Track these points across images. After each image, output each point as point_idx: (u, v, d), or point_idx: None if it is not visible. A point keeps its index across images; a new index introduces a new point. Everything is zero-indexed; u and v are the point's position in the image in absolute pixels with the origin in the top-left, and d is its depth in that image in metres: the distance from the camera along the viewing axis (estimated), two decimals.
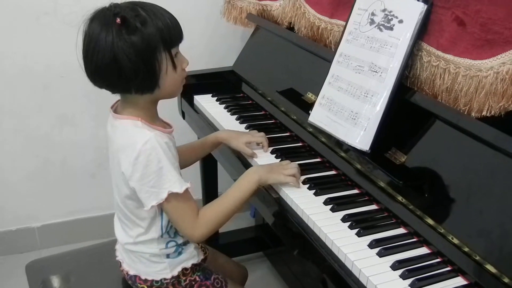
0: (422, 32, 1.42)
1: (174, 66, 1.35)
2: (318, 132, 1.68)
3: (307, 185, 1.53)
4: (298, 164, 1.57)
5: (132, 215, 1.45)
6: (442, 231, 1.24)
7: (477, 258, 1.15)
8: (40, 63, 2.48)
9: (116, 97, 1.43)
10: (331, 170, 1.64)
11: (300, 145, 1.81)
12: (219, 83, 2.31)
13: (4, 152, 2.58)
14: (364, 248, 1.28)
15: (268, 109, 2.04)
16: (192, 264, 1.54)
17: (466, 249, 1.18)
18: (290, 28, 2.12)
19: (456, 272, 1.21)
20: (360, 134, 1.48)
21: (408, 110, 1.44)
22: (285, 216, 1.46)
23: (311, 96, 1.80)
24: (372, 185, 1.46)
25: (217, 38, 2.75)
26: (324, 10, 1.88)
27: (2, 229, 2.73)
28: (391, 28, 1.45)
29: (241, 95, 2.26)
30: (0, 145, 2.56)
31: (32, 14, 2.39)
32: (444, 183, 1.30)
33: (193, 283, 1.55)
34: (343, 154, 1.57)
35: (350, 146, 1.50)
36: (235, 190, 1.48)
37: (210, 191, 2.50)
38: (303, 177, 1.56)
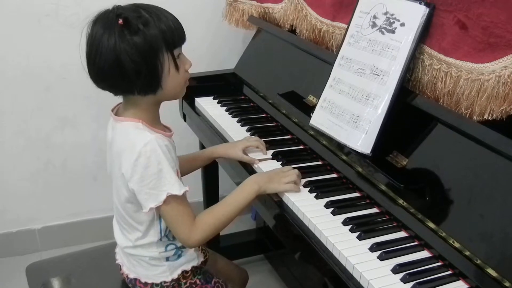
0: (424, 35, 1.42)
1: (177, 67, 1.35)
2: (319, 135, 1.68)
3: (308, 188, 1.52)
4: (299, 167, 1.58)
5: (131, 218, 1.45)
6: (443, 234, 1.24)
7: (478, 262, 1.15)
8: (42, 65, 2.49)
9: (117, 99, 1.43)
10: (332, 173, 1.63)
11: (301, 148, 1.81)
12: (221, 85, 2.31)
13: (5, 153, 2.59)
14: (365, 252, 1.27)
15: (270, 112, 2.04)
16: (192, 267, 1.54)
17: (467, 253, 1.18)
18: (292, 30, 2.12)
19: (457, 276, 1.21)
20: (361, 137, 1.47)
21: (410, 114, 1.44)
22: (286, 219, 1.46)
23: (313, 99, 1.80)
24: (373, 188, 1.45)
25: (218, 41, 2.75)
26: (326, 13, 1.88)
27: (3, 231, 2.73)
28: (393, 31, 1.45)
29: (243, 97, 2.26)
30: (1, 147, 2.57)
31: (33, 16, 2.40)
32: (445, 187, 1.30)
33: (194, 286, 1.55)
34: (344, 157, 1.57)
35: (351, 149, 1.50)
36: (233, 198, 1.48)
37: (211, 194, 2.50)
38: (304, 180, 1.55)
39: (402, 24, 1.43)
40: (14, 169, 2.64)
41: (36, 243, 2.79)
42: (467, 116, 1.32)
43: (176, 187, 1.34)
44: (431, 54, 1.41)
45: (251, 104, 2.19)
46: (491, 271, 1.12)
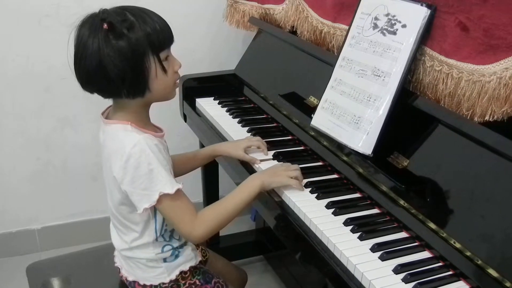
0: (425, 37, 1.42)
1: (164, 70, 1.35)
2: (320, 135, 1.68)
3: (309, 189, 1.52)
4: (300, 167, 1.57)
5: (126, 220, 1.45)
6: (444, 235, 1.24)
7: (479, 262, 1.15)
8: (42, 65, 2.49)
9: (110, 101, 1.43)
10: (333, 174, 1.64)
11: (302, 149, 1.81)
12: (221, 86, 2.32)
13: (5, 154, 2.58)
14: (366, 252, 1.28)
15: (270, 113, 2.05)
16: (191, 267, 1.54)
17: (468, 254, 1.18)
18: (293, 32, 2.13)
19: (458, 276, 1.21)
20: (362, 138, 1.48)
21: (411, 115, 1.44)
22: (287, 219, 1.46)
23: (313, 100, 1.80)
24: (374, 189, 1.46)
25: (219, 41, 2.75)
26: (327, 14, 1.88)
27: (2, 231, 2.72)
28: (394, 33, 1.46)
29: (243, 98, 2.26)
30: (1, 147, 2.56)
31: (34, 17, 2.40)
32: (446, 188, 1.31)
33: (193, 286, 1.55)
34: (345, 158, 1.58)
35: (353, 150, 1.51)
36: (236, 194, 1.48)
37: (211, 194, 2.50)
38: (305, 181, 1.55)
39: (404, 26, 1.44)
40: (14, 169, 2.63)
41: (35, 244, 2.79)
42: (468, 118, 1.32)
43: (168, 185, 1.33)
44: (432, 56, 1.42)
45: (252, 105, 2.19)
46: (492, 272, 1.13)
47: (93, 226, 2.75)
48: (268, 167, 1.63)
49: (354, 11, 1.61)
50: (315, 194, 1.50)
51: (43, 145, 2.63)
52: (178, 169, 1.61)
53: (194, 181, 2.41)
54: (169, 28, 1.35)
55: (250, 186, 1.48)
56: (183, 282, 1.53)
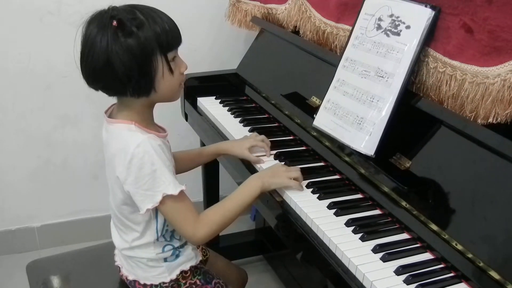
0: (429, 38, 1.42)
1: (171, 70, 1.35)
2: (322, 136, 1.68)
3: (311, 189, 1.52)
4: (302, 168, 1.57)
5: (127, 220, 1.45)
6: (446, 237, 1.24)
7: (481, 264, 1.15)
8: (43, 63, 2.49)
9: (115, 99, 1.43)
10: (335, 175, 1.64)
11: (304, 149, 1.81)
12: (223, 85, 2.32)
13: (5, 151, 2.58)
14: (368, 253, 1.27)
15: (272, 113, 2.04)
16: (191, 267, 1.54)
17: (470, 255, 1.18)
18: (295, 31, 2.13)
19: (459, 278, 1.21)
20: (365, 139, 1.48)
21: (414, 116, 1.44)
22: (289, 219, 1.46)
23: (316, 100, 1.80)
24: (376, 190, 1.45)
25: (221, 41, 2.75)
26: (330, 14, 1.88)
27: (2, 229, 2.73)
28: (398, 34, 1.45)
29: (245, 98, 2.26)
30: (2, 145, 2.56)
31: (36, 14, 2.40)
32: (448, 189, 1.30)
33: (193, 286, 1.55)
34: (347, 158, 1.57)
35: (355, 150, 1.50)
36: (237, 195, 1.47)
37: (212, 194, 2.50)
38: (306, 181, 1.55)
39: (408, 27, 1.44)
40: (14, 167, 2.63)
41: (35, 241, 2.79)
42: (471, 120, 1.32)
43: (171, 186, 1.33)
44: (436, 57, 1.41)
45: (254, 105, 2.19)
46: (493, 274, 1.12)
47: (93, 225, 2.76)
48: (269, 166, 1.63)
49: (358, 11, 1.61)
50: (317, 195, 1.50)
51: (44, 143, 2.63)
52: (181, 167, 1.61)
53: (194, 180, 2.41)
54: (178, 29, 1.35)
55: (251, 188, 1.48)
56: (183, 281, 1.53)
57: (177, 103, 2.29)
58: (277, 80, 2.09)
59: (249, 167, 1.71)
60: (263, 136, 1.77)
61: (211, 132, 2.03)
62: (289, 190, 1.51)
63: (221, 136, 1.97)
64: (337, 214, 1.42)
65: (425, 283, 1.18)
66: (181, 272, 1.52)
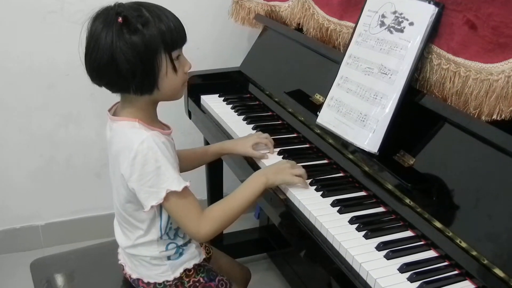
0: (433, 35, 1.42)
1: (175, 69, 1.35)
2: (325, 133, 1.67)
3: (315, 187, 1.52)
4: (305, 165, 1.58)
5: (131, 218, 1.45)
6: (450, 234, 1.24)
7: (485, 262, 1.15)
8: (46, 62, 2.49)
9: (119, 97, 1.43)
10: (339, 172, 1.63)
11: (307, 147, 1.80)
12: (226, 83, 2.31)
13: (8, 150, 2.59)
14: (371, 251, 1.27)
15: (275, 110, 2.04)
16: (195, 265, 1.54)
17: (474, 253, 1.18)
18: (299, 29, 2.12)
19: (463, 275, 1.21)
20: (368, 136, 1.47)
21: (417, 113, 1.44)
22: (292, 217, 1.46)
23: (319, 97, 1.79)
24: (379, 188, 1.45)
25: (224, 38, 2.75)
26: (334, 11, 1.87)
27: (6, 227, 2.73)
28: (401, 31, 1.45)
29: (248, 95, 2.26)
30: (5, 144, 2.57)
31: (38, 13, 2.40)
32: (452, 187, 1.30)
33: (197, 284, 1.55)
34: (350, 156, 1.57)
35: (358, 148, 1.50)
36: (242, 192, 1.47)
37: (215, 192, 2.50)
38: (310, 179, 1.55)
39: (411, 24, 1.43)
40: (17, 165, 2.64)
41: (39, 240, 2.79)
42: (475, 116, 1.32)
43: (175, 183, 1.33)
44: (439, 54, 1.41)
45: (257, 102, 2.18)
46: (498, 271, 1.12)
47: (97, 223, 2.76)
48: (272, 162, 1.62)
49: (361, 8, 1.60)
50: (321, 192, 1.50)
51: (47, 142, 2.63)
52: (184, 165, 1.61)
53: (198, 178, 2.40)
54: (183, 28, 1.35)
55: (255, 184, 1.48)
56: (187, 280, 1.53)
57: (181, 101, 2.28)
58: (281, 77, 2.09)
59: (253, 165, 1.70)
60: (266, 134, 1.77)
61: (215, 130, 2.03)
62: (293, 188, 1.51)
63: (225, 134, 1.97)
64: (340, 211, 1.42)
65: (429, 281, 1.17)
66: (185, 270, 1.52)
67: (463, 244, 1.20)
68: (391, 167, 1.42)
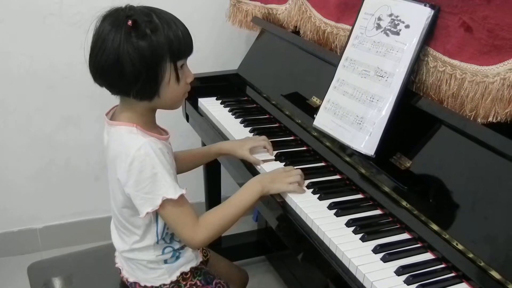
0: (429, 37, 1.42)
1: (178, 79, 1.35)
2: (322, 136, 1.68)
3: (311, 190, 1.52)
4: (302, 168, 1.57)
5: (128, 223, 1.45)
6: (447, 236, 1.24)
7: (482, 264, 1.15)
8: (45, 64, 2.49)
9: (118, 100, 1.43)
10: (336, 175, 1.63)
11: (304, 149, 1.80)
12: (224, 86, 2.32)
13: (8, 152, 2.59)
14: (368, 253, 1.27)
15: (273, 113, 2.04)
16: (191, 268, 1.54)
17: (470, 255, 1.18)
18: (296, 31, 2.12)
19: (460, 278, 1.21)
20: (365, 139, 1.47)
21: (414, 116, 1.44)
22: (289, 220, 1.45)
23: (316, 100, 1.79)
24: (376, 190, 1.45)
25: (222, 41, 2.75)
26: (330, 14, 1.87)
27: (4, 230, 2.73)
28: (397, 33, 1.45)
29: (246, 98, 2.26)
30: (4, 145, 2.57)
31: (38, 15, 2.40)
32: (449, 189, 1.30)
33: (194, 287, 1.54)
34: (347, 158, 1.57)
35: (355, 150, 1.50)
36: (237, 199, 1.47)
37: (213, 195, 2.49)
38: (307, 181, 1.55)
39: (407, 26, 1.43)
40: (16, 167, 2.64)
41: (37, 243, 2.79)
42: (471, 119, 1.32)
43: (171, 190, 1.33)
44: (435, 56, 1.41)
45: (254, 105, 2.18)
46: (494, 274, 1.12)
47: (95, 226, 2.75)
48: (270, 168, 1.63)
49: (357, 11, 1.61)
50: (317, 195, 1.50)
51: (46, 144, 2.63)
52: (181, 166, 1.61)
53: (196, 181, 2.41)
54: (191, 38, 1.35)
55: (250, 192, 1.48)
56: (184, 283, 1.53)
57: None
58: (278, 80, 2.09)
59: (250, 168, 1.70)
60: (263, 137, 1.77)
61: (212, 133, 2.03)
62: (290, 192, 1.51)
63: (222, 137, 1.96)
64: (337, 214, 1.42)
65: (426, 283, 1.18)
66: (182, 273, 1.51)
67: (460, 247, 1.20)
68: (388, 170, 1.42)
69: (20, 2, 2.35)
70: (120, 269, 1.57)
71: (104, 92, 1.36)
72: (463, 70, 1.33)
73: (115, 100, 1.43)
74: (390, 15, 1.49)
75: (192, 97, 2.24)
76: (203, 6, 2.64)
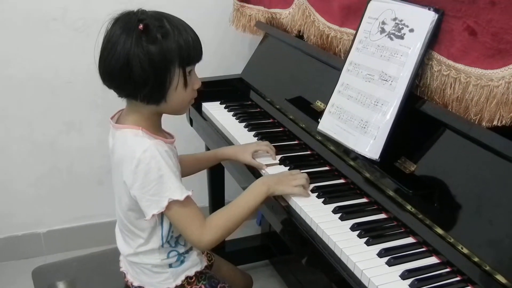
0: (433, 41, 1.42)
1: (186, 85, 1.35)
2: (326, 140, 1.68)
3: (316, 194, 1.52)
4: (307, 172, 1.57)
5: (133, 226, 1.45)
6: (452, 240, 1.23)
7: (487, 268, 1.15)
8: (48, 69, 2.50)
9: (121, 105, 1.43)
10: (340, 179, 1.63)
11: (309, 154, 1.80)
12: (228, 90, 2.32)
13: (11, 157, 2.59)
14: (373, 257, 1.27)
15: (277, 117, 2.04)
16: (196, 272, 1.54)
17: (476, 259, 1.17)
18: (299, 36, 2.13)
19: (465, 282, 1.21)
20: (369, 143, 1.47)
21: (418, 119, 1.43)
22: (294, 224, 1.45)
23: (320, 104, 1.79)
24: (381, 194, 1.45)
25: (225, 46, 2.75)
26: (334, 18, 1.88)
27: (8, 235, 2.73)
28: (401, 37, 1.45)
29: (249, 102, 2.26)
30: (7, 151, 2.57)
31: (41, 21, 2.41)
32: (453, 193, 1.30)
33: None
34: (351, 162, 1.57)
35: (360, 154, 1.50)
36: (243, 200, 1.47)
37: (217, 199, 2.50)
38: (311, 186, 1.55)
39: (411, 30, 1.43)
40: (19, 173, 2.64)
41: (41, 247, 2.79)
42: (476, 122, 1.32)
43: (177, 192, 1.33)
44: (440, 60, 1.41)
45: (258, 109, 2.19)
46: (500, 278, 1.12)
47: (99, 230, 2.76)
48: (274, 172, 1.62)
49: (361, 15, 1.61)
50: (322, 199, 1.50)
51: (49, 149, 2.64)
52: (186, 170, 1.61)
53: (200, 185, 2.41)
54: (201, 45, 1.36)
55: (256, 192, 1.48)
56: (188, 287, 1.53)
57: None
58: (282, 84, 2.09)
59: (254, 172, 1.70)
60: (266, 142, 1.77)
61: (216, 137, 2.03)
62: (294, 195, 1.51)
63: (226, 141, 1.97)
64: (342, 218, 1.41)
65: (431, 287, 1.17)
66: (186, 277, 1.52)
67: (465, 250, 1.20)
68: (392, 174, 1.42)
69: (24, 7, 2.36)
70: (124, 273, 1.57)
71: (107, 97, 1.37)
72: (467, 74, 1.33)
73: (117, 105, 1.44)
74: (394, 19, 1.49)
75: (196, 102, 2.23)
76: (207, 11, 2.64)
